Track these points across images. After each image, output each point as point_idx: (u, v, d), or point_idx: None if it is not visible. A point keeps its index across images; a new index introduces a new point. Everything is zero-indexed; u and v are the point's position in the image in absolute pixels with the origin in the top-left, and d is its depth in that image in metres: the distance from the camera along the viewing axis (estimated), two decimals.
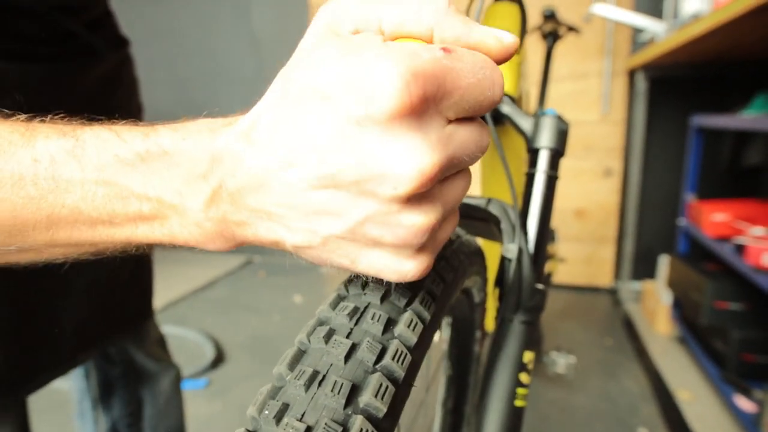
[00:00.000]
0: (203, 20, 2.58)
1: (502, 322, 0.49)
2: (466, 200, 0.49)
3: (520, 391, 0.47)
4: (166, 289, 2.29)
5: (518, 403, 0.47)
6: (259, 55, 2.51)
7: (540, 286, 0.50)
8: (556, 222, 2.21)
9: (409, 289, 0.31)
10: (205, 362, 1.58)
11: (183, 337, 1.82)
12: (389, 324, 0.28)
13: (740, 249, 1.30)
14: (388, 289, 0.30)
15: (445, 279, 0.35)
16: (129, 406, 0.73)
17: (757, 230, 1.29)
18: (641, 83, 1.93)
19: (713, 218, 1.47)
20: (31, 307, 0.53)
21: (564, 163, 2.15)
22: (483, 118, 0.56)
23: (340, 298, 0.31)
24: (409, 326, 0.29)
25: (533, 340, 0.50)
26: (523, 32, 0.63)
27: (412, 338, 0.28)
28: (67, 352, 0.57)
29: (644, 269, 2.17)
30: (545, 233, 0.51)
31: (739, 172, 1.90)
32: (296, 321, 1.95)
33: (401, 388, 0.26)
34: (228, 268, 2.62)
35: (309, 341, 0.28)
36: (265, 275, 2.53)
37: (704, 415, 1.33)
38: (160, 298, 2.21)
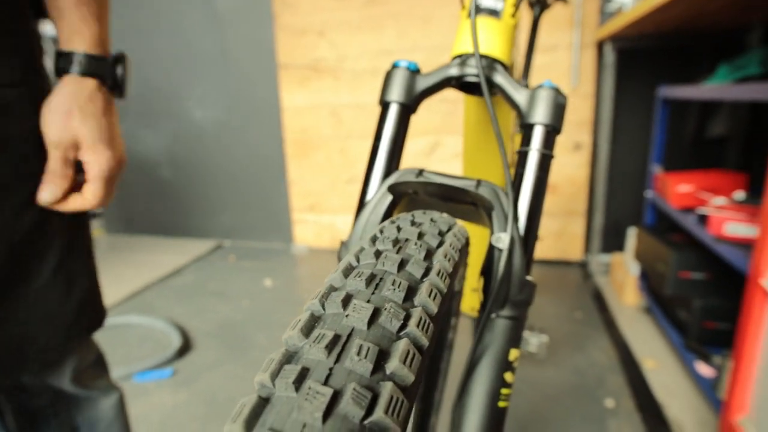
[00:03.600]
0: None
1: (487, 316, 0.46)
2: (453, 182, 0.45)
3: (504, 391, 0.44)
4: (133, 277, 2.22)
5: (501, 404, 0.44)
6: (221, 31, 2.40)
7: (530, 278, 0.46)
8: None
9: (425, 261, 0.30)
10: (171, 352, 1.54)
11: (148, 327, 1.76)
12: (410, 292, 0.27)
13: (703, 219, 1.31)
14: (404, 259, 0.29)
15: (454, 258, 0.34)
16: None
17: (719, 200, 1.30)
18: (609, 55, 1.91)
19: (678, 189, 1.48)
20: None
21: None
22: (478, 88, 0.51)
23: (351, 267, 0.29)
24: (430, 295, 0.27)
25: (519, 336, 0.46)
26: None
27: (434, 307, 0.27)
28: None
29: (614, 242, 2.19)
30: (537, 219, 0.47)
31: (705, 142, 1.92)
32: (266, 305, 1.92)
33: (424, 356, 0.24)
34: (197, 253, 2.55)
35: (323, 307, 0.25)
36: (235, 259, 2.48)
37: (667, 383, 1.36)
38: (125, 288, 2.15)
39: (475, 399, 0.44)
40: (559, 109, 0.48)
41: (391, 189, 0.45)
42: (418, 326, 0.25)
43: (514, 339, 0.46)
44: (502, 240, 0.43)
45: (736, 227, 1.17)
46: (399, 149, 0.52)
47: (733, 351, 0.98)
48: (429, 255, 0.32)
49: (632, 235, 1.85)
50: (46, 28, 3.04)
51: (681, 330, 1.44)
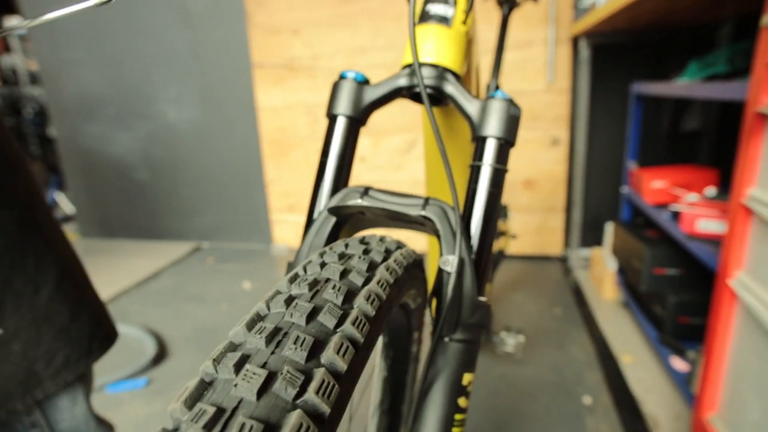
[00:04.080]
0: None
1: (439, 340, 0.44)
2: (398, 202, 0.43)
3: (458, 416, 0.43)
4: (108, 282, 2.17)
5: (456, 430, 0.43)
6: (192, 29, 2.35)
7: (483, 299, 0.44)
8: (506, 195, 2.21)
9: (366, 272, 0.32)
10: (145, 360, 1.51)
11: (122, 335, 1.73)
12: (349, 295, 0.29)
13: (676, 216, 1.32)
14: (345, 268, 0.31)
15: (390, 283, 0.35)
16: None
17: (692, 197, 1.30)
18: (584, 51, 1.91)
19: (652, 185, 1.48)
20: None
21: None
22: (417, 96, 0.50)
23: (297, 276, 0.31)
24: (368, 299, 0.29)
25: (473, 360, 0.45)
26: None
27: (371, 310, 0.29)
28: None
29: (593, 237, 2.20)
30: (490, 236, 0.45)
31: (680, 137, 1.93)
32: (245, 309, 1.89)
33: (360, 353, 0.26)
34: (175, 256, 2.51)
35: (268, 308, 0.28)
36: (214, 261, 2.44)
37: (644, 378, 1.37)
38: (101, 293, 2.09)
39: (429, 426, 0.43)
40: (512, 121, 0.46)
41: (335, 211, 0.43)
42: (354, 324, 0.26)
43: (468, 363, 0.45)
44: (450, 263, 0.42)
45: (708, 224, 1.18)
46: (348, 163, 0.50)
47: (704, 347, 0.98)
48: (372, 267, 0.33)
49: (609, 230, 1.86)
50: (12, 22, 2.95)
51: (657, 325, 1.45)
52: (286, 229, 2.57)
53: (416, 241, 2.05)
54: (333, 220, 0.44)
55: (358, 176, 2.31)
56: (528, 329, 1.66)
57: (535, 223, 2.26)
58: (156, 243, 2.75)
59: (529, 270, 2.18)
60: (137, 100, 2.53)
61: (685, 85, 1.22)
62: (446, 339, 0.44)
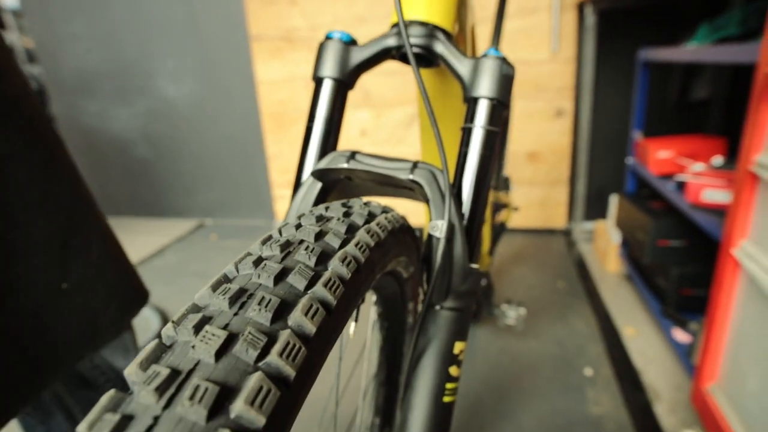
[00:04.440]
0: None
1: (429, 308, 0.43)
2: (385, 166, 0.41)
3: (449, 385, 0.42)
4: None
5: (447, 399, 0.42)
6: (187, 1, 2.29)
7: (474, 265, 0.43)
8: (509, 167, 2.18)
9: (345, 234, 0.30)
10: (150, 336, 1.52)
11: None
12: (323, 257, 0.27)
13: (681, 186, 1.29)
14: (322, 230, 0.30)
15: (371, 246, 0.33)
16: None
17: (698, 166, 1.27)
18: (590, 17, 1.85)
19: (658, 156, 1.45)
20: None
21: (515, 105, 2.05)
22: (421, 59, 0.47)
23: (270, 237, 0.30)
24: (343, 261, 0.27)
25: (464, 328, 0.44)
26: None
27: (346, 272, 0.27)
28: None
29: (597, 209, 2.18)
30: (482, 201, 0.44)
31: (688, 106, 1.88)
32: None
33: (333, 317, 0.24)
34: (178, 233, 2.51)
35: (237, 270, 0.26)
36: (217, 238, 2.45)
37: (645, 350, 1.37)
38: None
39: (419, 395, 0.42)
40: (505, 80, 0.44)
41: (320, 175, 0.42)
42: (326, 286, 0.25)
43: (459, 331, 0.44)
44: (439, 228, 0.40)
45: (713, 194, 1.15)
46: (336, 128, 0.48)
47: (706, 318, 0.97)
48: (351, 230, 0.31)
49: (614, 202, 1.84)
50: (6, 2, 2.90)
51: (659, 297, 1.44)
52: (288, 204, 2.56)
53: (415, 213, 2.03)
54: (319, 185, 0.43)
55: (360, 149, 2.28)
56: (530, 302, 1.66)
57: (538, 195, 2.23)
58: (159, 220, 2.76)
59: (532, 243, 2.17)
60: (135, 75, 2.49)
61: (693, 50, 1.18)
62: (437, 307, 0.43)
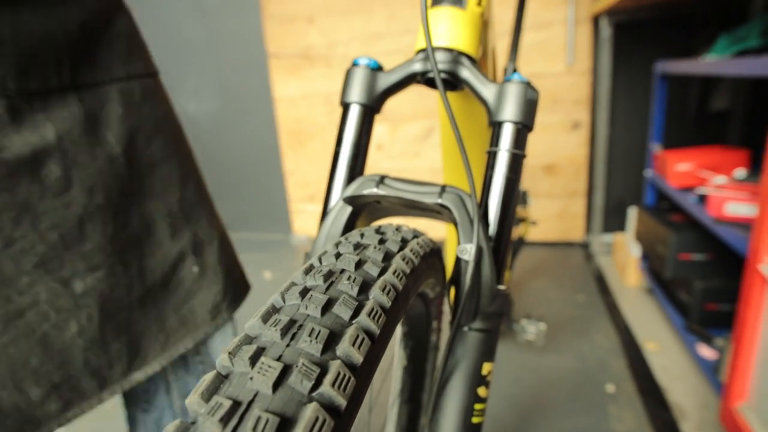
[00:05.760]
0: None
1: (458, 329, 0.44)
2: (414, 190, 0.42)
3: (478, 406, 0.43)
4: None
5: (475, 419, 0.43)
6: (206, 22, 2.35)
7: (502, 287, 0.44)
8: (526, 180, 2.17)
9: (382, 262, 0.32)
10: None
11: None
12: (364, 286, 0.28)
13: (702, 199, 1.27)
14: (361, 259, 0.31)
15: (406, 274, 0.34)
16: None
17: (719, 179, 1.26)
18: (606, 30, 1.85)
19: (677, 168, 1.44)
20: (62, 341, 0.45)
21: None
22: (432, 82, 0.49)
23: (312, 267, 0.31)
24: (383, 290, 0.28)
25: (492, 349, 0.44)
26: None
27: (387, 301, 0.28)
28: (112, 380, 0.49)
29: (616, 222, 2.16)
30: (508, 223, 0.44)
31: (707, 117, 1.86)
32: (266, 299, 1.91)
33: (376, 345, 0.25)
34: None
35: (283, 300, 0.28)
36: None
37: (669, 366, 1.34)
38: None
39: (448, 416, 0.42)
40: (530, 104, 0.45)
41: (350, 200, 0.43)
42: (369, 315, 0.26)
43: (488, 352, 0.44)
44: (468, 251, 0.41)
45: (737, 207, 1.14)
46: (363, 153, 0.50)
47: (733, 335, 0.95)
48: (387, 258, 0.33)
49: (633, 215, 1.82)
50: None
51: (682, 312, 1.41)
52: (306, 219, 2.59)
53: (435, 229, 2.04)
54: (349, 209, 0.44)
55: (376, 164, 2.30)
56: (550, 317, 1.64)
57: (556, 208, 2.22)
58: None
59: (550, 256, 2.16)
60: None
61: (712, 63, 1.17)
62: (465, 328, 0.44)
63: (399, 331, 0.62)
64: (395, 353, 0.62)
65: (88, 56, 0.49)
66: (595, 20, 1.94)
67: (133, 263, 0.51)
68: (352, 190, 0.43)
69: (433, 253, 0.41)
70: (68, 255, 0.45)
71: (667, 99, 1.66)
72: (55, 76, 0.45)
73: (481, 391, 0.43)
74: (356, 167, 0.49)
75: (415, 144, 2.26)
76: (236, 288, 0.65)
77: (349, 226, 0.44)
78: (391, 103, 2.22)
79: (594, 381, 1.31)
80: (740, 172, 1.30)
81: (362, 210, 0.45)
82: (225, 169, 2.63)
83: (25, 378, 0.42)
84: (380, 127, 2.27)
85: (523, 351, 1.46)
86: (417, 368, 0.70)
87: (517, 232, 1.49)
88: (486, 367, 0.44)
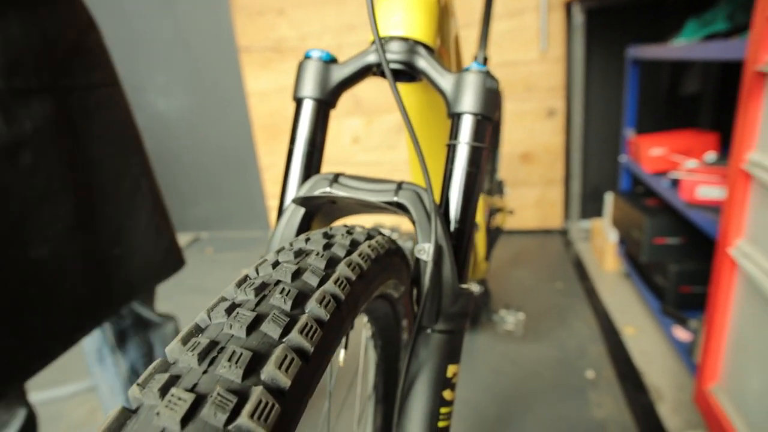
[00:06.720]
0: None
1: (420, 331, 0.42)
2: (372, 187, 0.40)
3: (444, 410, 0.41)
4: None
5: (441, 423, 0.41)
6: (174, 16, 2.28)
7: (465, 286, 0.42)
8: (503, 169, 2.17)
9: (324, 270, 0.29)
10: None
11: None
12: (299, 299, 0.26)
13: (675, 183, 1.28)
14: (300, 268, 0.28)
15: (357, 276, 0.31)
16: (142, 349, 0.85)
17: (691, 163, 1.27)
18: (578, 16, 1.85)
19: (651, 153, 1.44)
20: (23, 296, 0.54)
21: (507, 106, 2.03)
22: (403, 74, 0.47)
23: (246, 278, 0.28)
24: (321, 302, 0.25)
25: (457, 350, 0.43)
26: None
27: (324, 314, 0.25)
28: (64, 335, 0.59)
29: (593, 208, 2.17)
30: (470, 219, 0.42)
31: (679, 101, 1.88)
32: None
33: (311, 363, 0.23)
34: None
35: (210, 318, 0.25)
36: (213, 252, 2.43)
37: (646, 349, 1.36)
38: None
39: (413, 421, 0.41)
40: (489, 94, 0.43)
41: (302, 202, 0.41)
42: (302, 332, 0.23)
43: (452, 354, 0.43)
44: (425, 251, 0.39)
45: (708, 190, 1.15)
46: (319, 150, 0.47)
47: (705, 317, 0.96)
48: (331, 264, 0.30)
49: (609, 201, 1.83)
50: None
51: (658, 295, 1.43)
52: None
53: None
54: (302, 211, 0.42)
55: (352, 157, 2.27)
56: (529, 305, 1.65)
57: (533, 196, 2.23)
58: None
59: (529, 244, 2.16)
60: (125, 90, 2.48)
61: (681, 47, 1.17)
62: (428, 330, 0.42)
63: (368, 330, 0.61)
64: (361, 354, 0.60)
65: (62, 63, 0.56)
66: (568, 6, 1.93)
67: (81, 238, 0.59)
68: (304, 190, 0.41)
69: (391, 252, 0.40)
70: (27, 226, 0.53)
71: (639, 84, 1.67)
72: (36, 78, 0.52)
73: (447, 394, 0.42)
74: (312, 165, 0.47)
75: (391, 136, 2.23)
76: (172, 256, 0.77)
77: (304, 228, 0.42)
78: (366, 95, 2.19)
79: (574, 368, 1.32)
80: (710, 156, 1.31)
81: (317, 210, 0.43)
82: (200, 167, 2.57)
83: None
84: (356, 120, 2.24)
85: (503, 341, 1.46)
86: (389, 367, 0.69)
87: (494, 222, 1.49)
88: (451, 370, 0.42)
